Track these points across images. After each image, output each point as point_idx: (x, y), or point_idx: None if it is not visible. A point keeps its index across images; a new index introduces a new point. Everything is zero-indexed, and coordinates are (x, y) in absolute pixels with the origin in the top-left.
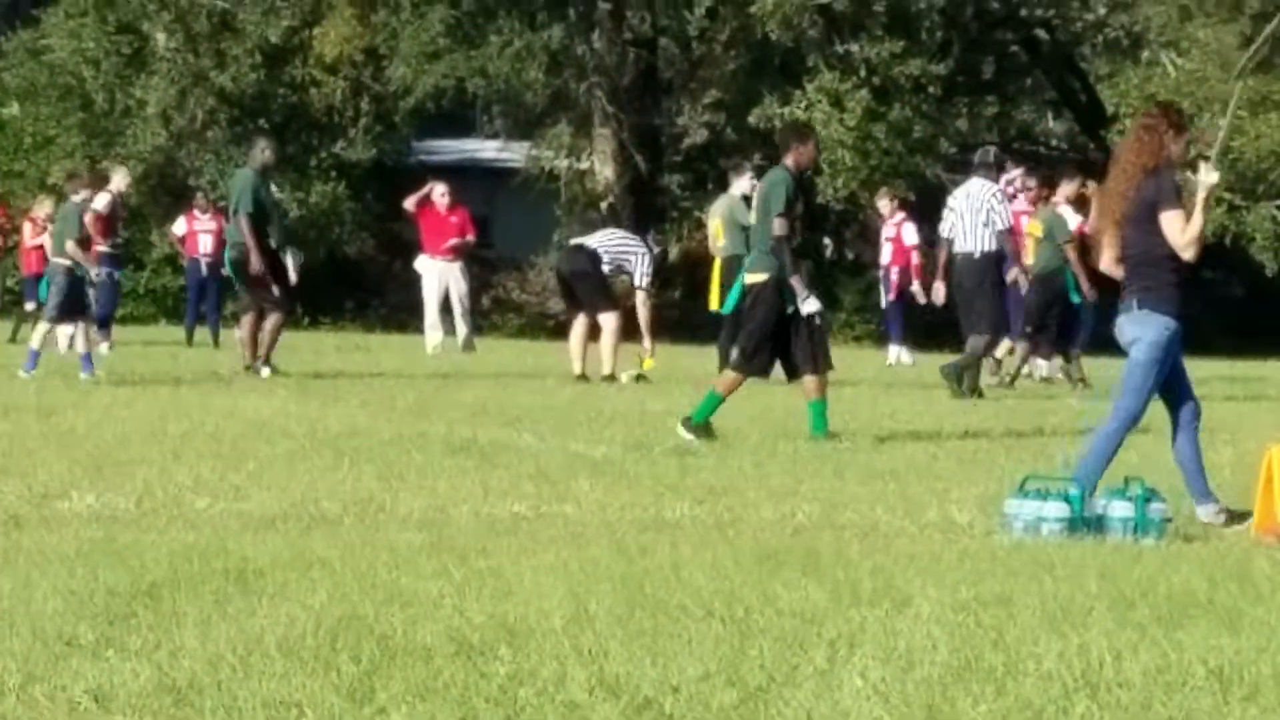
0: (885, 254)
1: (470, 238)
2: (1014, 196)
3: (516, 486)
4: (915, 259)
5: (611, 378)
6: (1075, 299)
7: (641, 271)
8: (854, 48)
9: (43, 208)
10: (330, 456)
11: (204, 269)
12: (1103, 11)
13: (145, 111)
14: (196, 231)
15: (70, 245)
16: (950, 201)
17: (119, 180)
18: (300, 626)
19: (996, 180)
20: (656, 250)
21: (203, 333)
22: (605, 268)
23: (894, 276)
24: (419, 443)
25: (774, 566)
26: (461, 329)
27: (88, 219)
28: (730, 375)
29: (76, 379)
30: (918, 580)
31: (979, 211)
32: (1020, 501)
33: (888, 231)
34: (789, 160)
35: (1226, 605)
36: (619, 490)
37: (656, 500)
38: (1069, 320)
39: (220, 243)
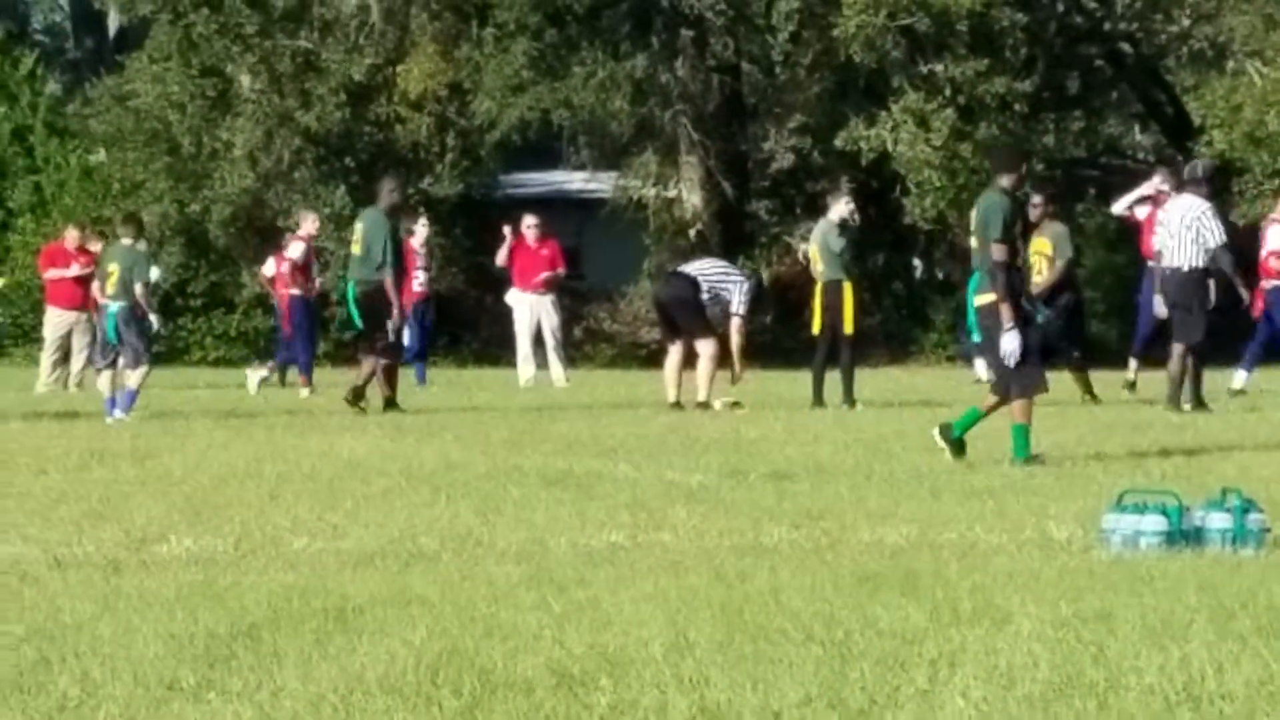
0: None
1: (561, 270)
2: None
3: (613, 516)
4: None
5: (706, 405)
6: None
7: (739, 299)
8: (938, 67)
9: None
10: (426, 492)
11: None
12: (1187, 23)
13: (232, 153)
14: (285, 273)
15: (140, 289)
16: (1161, 216)
17: (309, 225)
18: (401, 663)
19: (1209, 197)
20: (752, 280)
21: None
22: (704, 295)
23: None
24: (514, 476)
25: (873, 588)
26: (555, 364)
27: (284, 268)
28: (1015, 405)
29: (171, 422)
30: (1017, 598)
31: (1189, 228)
32: (1118, 516)
33: None
34: (1005, 182)
35: None
36: (716, 517)
37: (754, 526)
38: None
39: (309, 280)
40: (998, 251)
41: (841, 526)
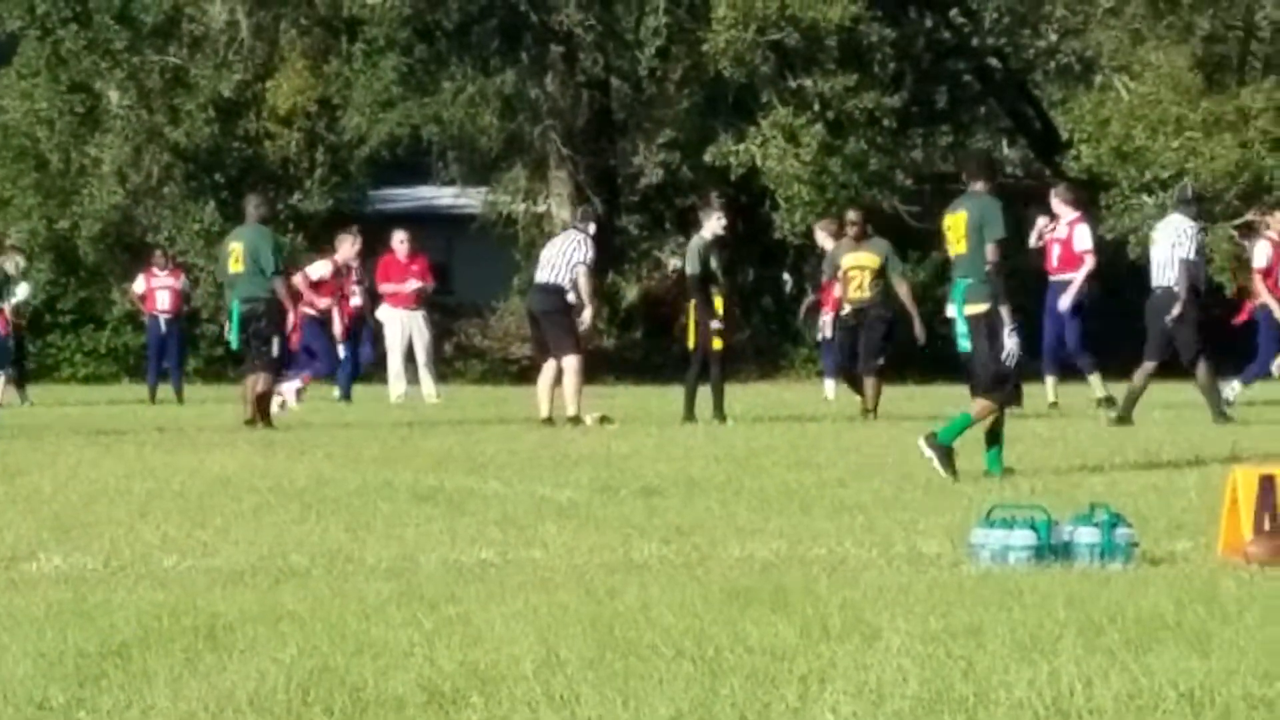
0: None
1: (430, 285)
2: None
3: (484, 533)
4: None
5: (577, 419)
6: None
7: (586, 255)
8: (807, 82)
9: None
10: (297, 509)
11: (163, 325)
12: (1054, 38)
13: (101, 170)
14: (154, 289)
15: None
16: (1154, 235)
17: (346, 249)
18: (271, 681)
19: (1196, 216)
20: (592, 228)
21: (165, 389)
22: (569, 297)
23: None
24: (385, 492)
25: (743, 604)
26: (426, 379)
27: (298, 280)
28: (982, 403)
29: (40, 439)
30: (887, 613)
31: (1177, 246)
32: (987, 531)
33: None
34: (990, 187)
35: (1195, 628)
36: (586, 533)
37: (624, 542)
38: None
39: (178, 298)
40: (992, 252)
41: (711, 542)
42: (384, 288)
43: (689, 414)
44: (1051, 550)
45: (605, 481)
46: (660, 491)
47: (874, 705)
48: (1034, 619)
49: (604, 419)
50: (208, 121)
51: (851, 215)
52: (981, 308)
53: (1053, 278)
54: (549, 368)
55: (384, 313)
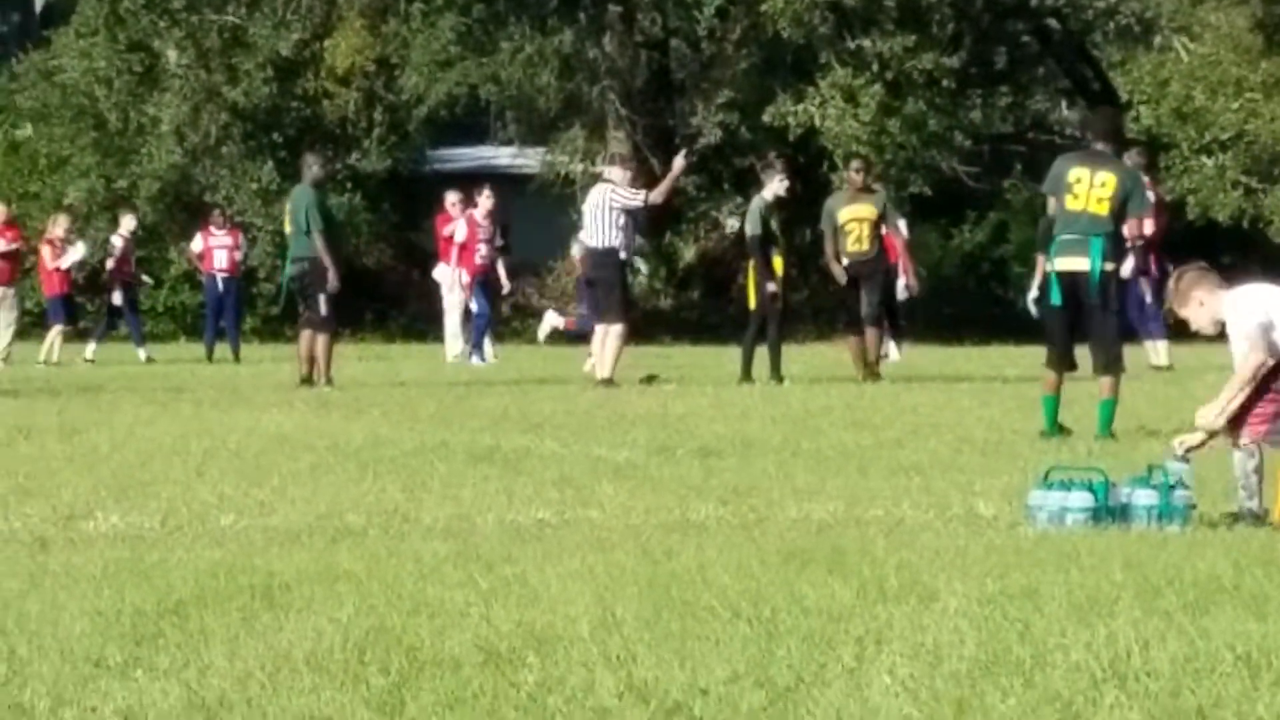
0: None
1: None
2: None
3: (540, 493)
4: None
5: (610, 382)
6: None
7: (625, 202)
8: (866, 43)
9: (58, 227)
10: (354, 469)
11: (221, 284)
12: None
13: (159, 129)
14: (213, 248)
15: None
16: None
17: (485, 202)
18: (328, 640)
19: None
20: (616, 173)
21: (223, 348)
22: (622, 255)
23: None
24: (442, 452)
25: (800, 565)
26: (486, 339)
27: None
28: (1111, 381)
29: (98, 397)
30: (943, 575)
31: None
32: (1044, 493)
33: None
34: (1116, 149)
35: (1252, 591)
36: (643, 493)
37: (681, 503)
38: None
39: (236, 257)
40: (1143, 225)
41: (768, 503)
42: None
43: (746, 374)
44: (1109, 512)
45: (662, 442)
46: (717, 452)
47: (931, 667)
48: (1091, 581)
49: (652, 377)
50: (265, 81)
51: (855, 164)
52: (1111, 266)
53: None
54: (602, 329)
55: (440, 272)
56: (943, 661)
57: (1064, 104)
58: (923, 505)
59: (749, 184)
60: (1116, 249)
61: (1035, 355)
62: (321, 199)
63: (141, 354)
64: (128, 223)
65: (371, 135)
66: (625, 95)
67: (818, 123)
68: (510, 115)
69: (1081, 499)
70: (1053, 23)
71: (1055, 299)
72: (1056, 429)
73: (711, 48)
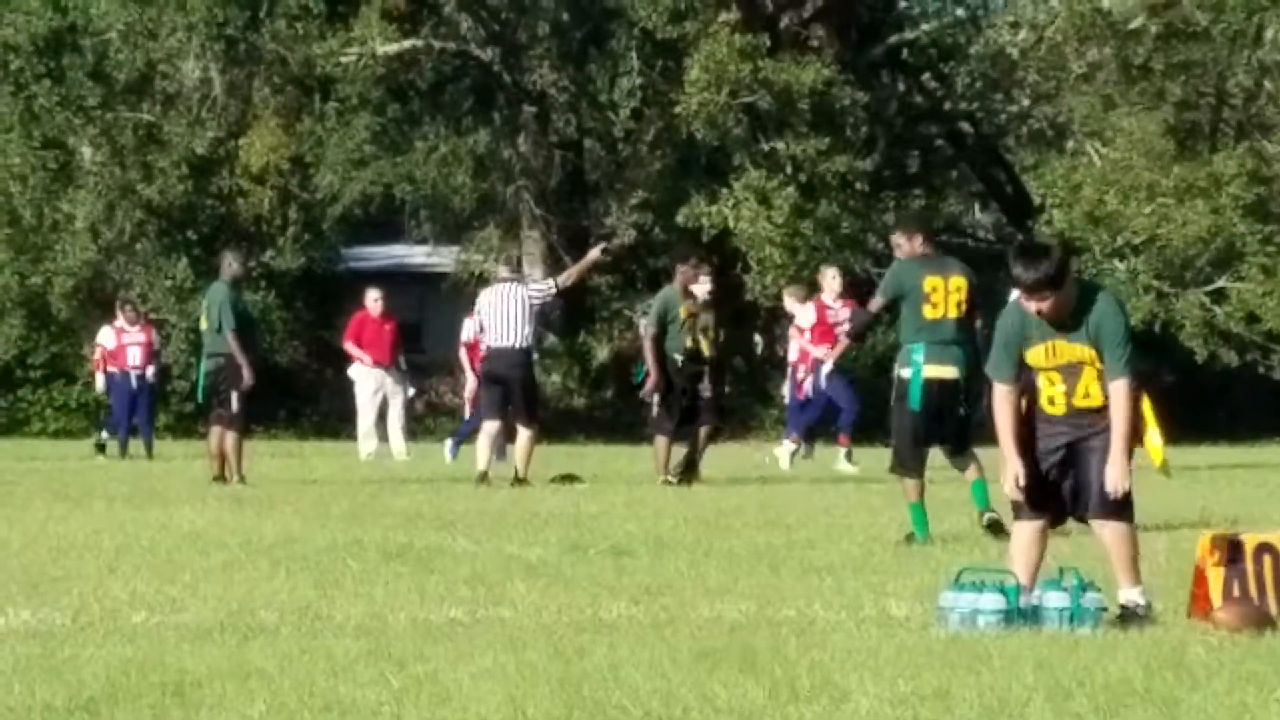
0: (794, 350)
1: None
2: None
3: (453, 591)
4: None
5: (523, 481)
6: None
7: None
8: (780, 145)
9: None
10: (266, 566)
11: (134, 381)
12: (1027, 103)
13: (74, 226)
14: (125, 345)
15: None
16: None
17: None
18: None
19: None
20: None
21: (135, 445)
22: (533, 357)
23: (799, 374)
24: (354, 549)
25: (712, 665)
26: (396, 437)
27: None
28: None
29: (11, 493)
30: (855, 675)
31: None
32: (956, 594)
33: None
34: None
35: (1163, 694)
36: (555, 592)
37: (593, 601)
38: None
39: (149, 354)
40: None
41: (681, 602)
42: (350, 347)
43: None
44: (1020, 614)
45: (574, 540)
46: (630, 551)
47: None
48: (1003, 683)
49: (568, 477)
50: (181, 178)
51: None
52: (964, 373)
53: None
54: (494, 426)
55: (356, 371)
56: None
57: (977, 207)
58: (835, 605)
59: (661, 284)
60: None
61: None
62: (236, 297)
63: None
64: (127, 315)
65: (286, 233)
66: (540, 195)
67: (731, 224)
68: (425, 214)
69: (993, 600)
70: (966, 127)
71: (915, 404)
72: (926, 532)
73: (626, 149)
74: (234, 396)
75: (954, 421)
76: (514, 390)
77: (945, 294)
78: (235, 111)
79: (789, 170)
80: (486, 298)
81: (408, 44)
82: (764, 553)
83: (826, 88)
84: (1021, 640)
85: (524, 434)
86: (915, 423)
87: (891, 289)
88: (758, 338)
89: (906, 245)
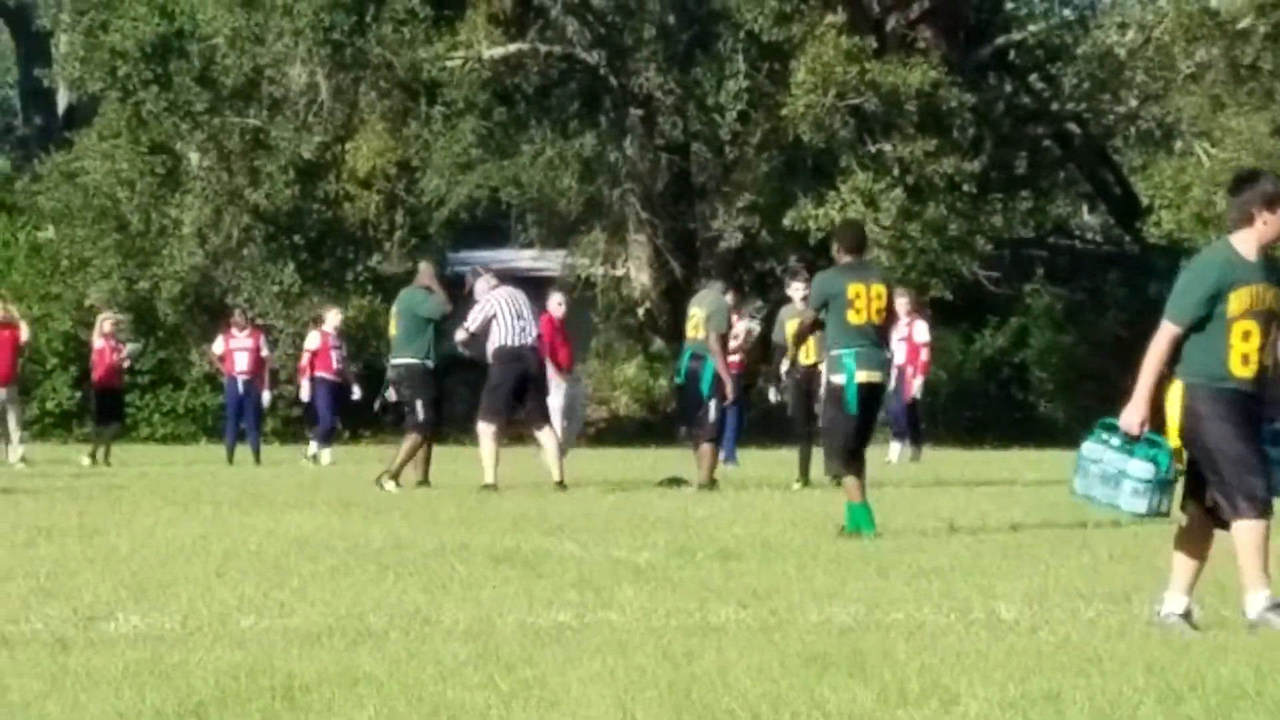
0: (900, 354)
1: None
2: None
3: (560, 595)
4: (925, 356)
5: (563, 485)
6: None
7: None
8: (886, 147)
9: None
10: (374, 570)
11: (241, 386)
12: (1134, 104)
13: (181, 231)
14: (233, 350)
15: None
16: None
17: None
18: None
19: None
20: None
21: (243, 450)
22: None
23: (907, 376)
24: (462, 554)
25: (820, 669)
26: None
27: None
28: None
29: (119, 499)
30: (965, 679)
31: None
32: (1102, 448)
33: (900, 331)
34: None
35: (1275, 697)
36: (663, 596)
37: (701, 605)
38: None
39: (257, 360)
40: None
41: (789, 606)
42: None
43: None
44: (1161, 489)
45: (682, 544)
46: (737, 555)
47: None
48: (1113, 686)
49: (676, 480)
50: (287, 183)
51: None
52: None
53: None
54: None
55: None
56: None
57: (1085, 208)
58: (944, 608)
59: (769, 287)
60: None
61: (1055, 459)
62: (426, 302)
63: (320, 452)
64: (332, 318)
65: (392, 238)
66: (646, 198)
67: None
68: (531, 218)
69: (1143, 469)
70: (1074, 128)
71: (852, 408)
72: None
73: (733, 151)
74: (418, 404)
75: (871, 426)
76: (533, 390)
77: (868, 300)
78: (342, 116)
79: (896, 172)
80: (504, 294)
81: (514, 47)
82: (872, 556)
83: (933, 89)
84: (1132, 643)
85: (551, 436)
86: (850, 426)
87: (817, 298)
88: None
89: (837, 255)
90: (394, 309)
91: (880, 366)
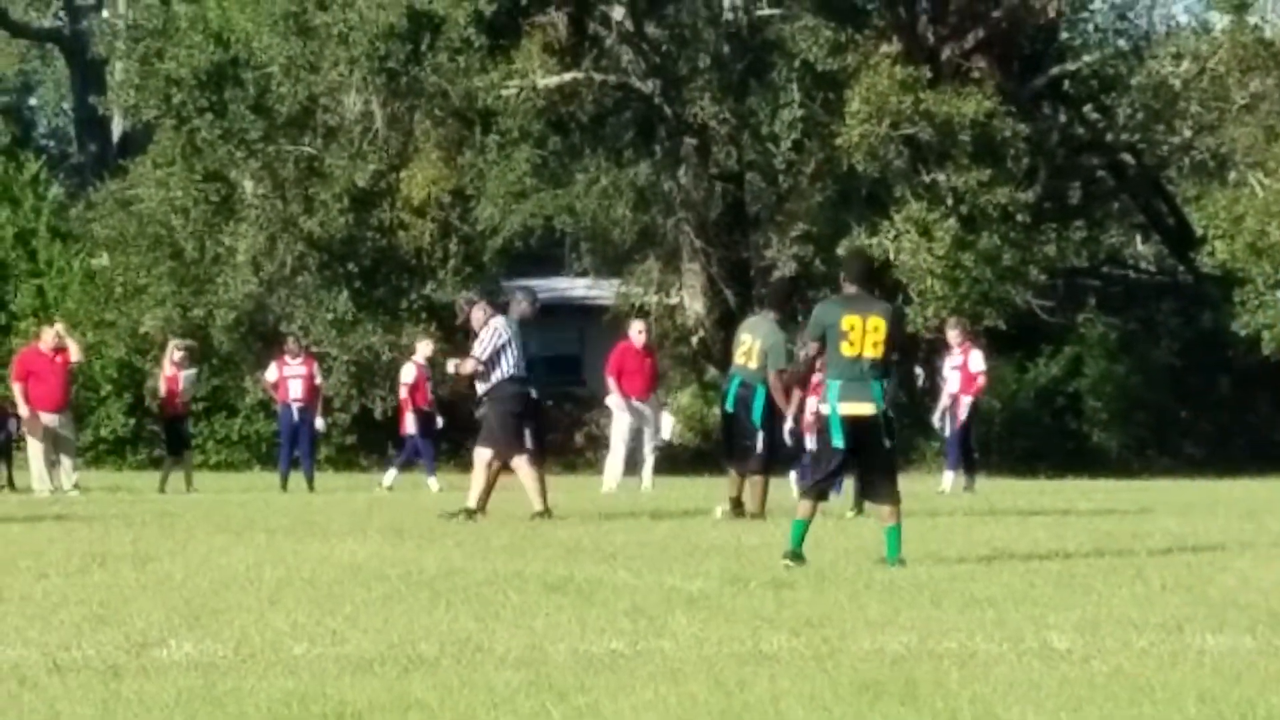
0: (954, 382)
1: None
2: None
3: (613, 623)
4: (981, 383)
5: (548, 513)
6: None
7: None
8: (940, 177)
9: (177, 352)
10: (426, 598)
11: (295, 414)
12: (1188, 134)
13: (235, 259)
14: (287, 377)
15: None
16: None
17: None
18: None
19: None
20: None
21: (296, 478)
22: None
23: (960, 404)
24: (515, 582)
25: (873, 698)
26: (649, 469)
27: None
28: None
29: (173, 526)
30: (1018, 708)
31: None
32: None
33: (954, 360)
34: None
35: None
36: (716, 624)
37: (754, 634)
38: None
39: (311, 387)
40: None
41: (841, 635)
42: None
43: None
44: None
45: (735, 573)
46: (790, 584)
47: None
48: (1164, 716)
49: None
50: (342, 211)
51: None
52: (888, 407)
53: None
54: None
55: (614, 401)
56: None
57: (1139, 238)
58: (996, 638)
59: None
60: (891, 390)
61: (1109, 489)
62: (518, 333)
63: (433, 484)
64: (424, 349)
65: (447, 265)
66: (700, 227)
67: (892, 256)
68: (585, 246)
69: None
70: (1127, 158)
71: (839, 441)
72: (800, 552)
73: (787, 181)
74: (526, 431)
75: (879, 456)
76: (534, 422)
77: (863, 333)
78: (396, 144)
79: (950, 202)
80: (505, 324)
81: (568, 76)
82: (925, 585)
83: (988, 119)
84: (1184, 672)
85: (530, 465)
86: (837, 458)
87: (815, 327)
88: (919, 370)
89: (843, 284)
90: None
91: (871, 399)
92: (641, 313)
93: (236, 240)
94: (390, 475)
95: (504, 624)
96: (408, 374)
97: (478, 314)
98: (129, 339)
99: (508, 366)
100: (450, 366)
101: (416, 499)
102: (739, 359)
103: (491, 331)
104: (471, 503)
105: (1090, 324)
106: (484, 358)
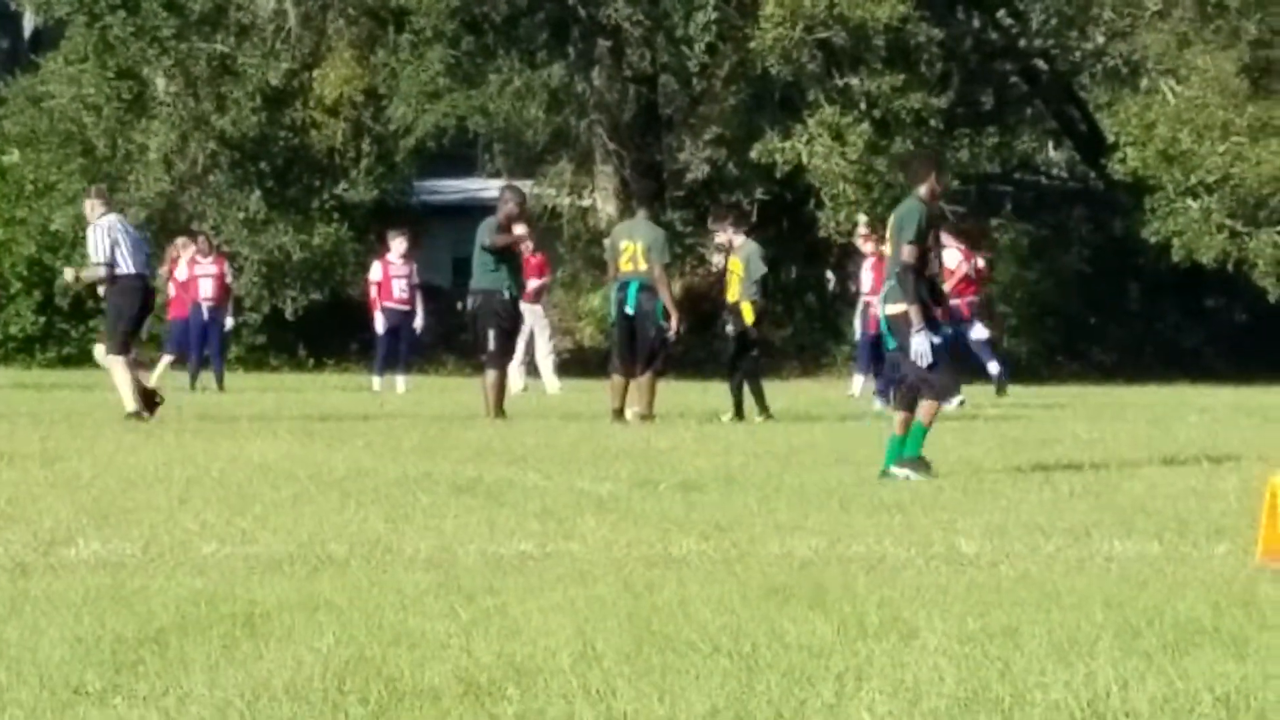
0: (865, 284)
1: (548, 279)
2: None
3: (523, 525)
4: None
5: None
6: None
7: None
8: (854, 81)
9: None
10: (336, 498)
11: (205, 313)
12: (1101, 40)
13: (147, 156)
14: (197, 276)
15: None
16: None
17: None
18: (308, 670)
19: None
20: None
21: (205, 376)
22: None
23: (873, 308)
24: (425, 483)
25: (781, 601)
26: (549, 373)
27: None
28: (927, 404)
29: (81, 424)
30: (924, 612)
31: None
32: None
33: (866, 263)
34: (922, 190)
35: (1232, 632)
36: (625, 527)
37: (663, 537)
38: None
39: (222, 286)
40: (907, 253)
41: (750, 538)
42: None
43: (738, 412)
44: None
45: (644, 476)
46: (699, 487)
47: (910, 704)
48: (1071, 621)
49: (640, 414)
50: (254, 110)
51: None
52: (899, 308)
53: None
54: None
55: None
56: (922, 699)
57: (1050, 145)
58: (904, 542)
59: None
60: (900, 284)
61: (1018, 394)
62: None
63: (400, 383)
64: (398, 245)
65: (359, 166)
66: (613, 129)
67: (805, 160)
68: (498, 148)
69: None
70: (1040, 64)
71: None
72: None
73: (700, 83)
74: (490, 334)
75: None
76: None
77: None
78: (309, 43)
79: (863, 106)
80: (116, 220)
81: None
82: (834, 489)
83: (901, 24)
84: (1091, 578)
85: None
86: (942, 354)
87: (919, 234)
88: (830, 274)
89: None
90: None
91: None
92: (554, 215)
93: (148, 138)
94: (377, 380)
95: (413, 525)
96: (375, 272)
97: (91, 209)
98: (39, 236)
99: (126, 265)
100: (68, 275)
101: (333, 400)
102: (624, 265)
103: (102, 229)
104: (130, 406)
105: (1002, 230)
106: (103, 259)
